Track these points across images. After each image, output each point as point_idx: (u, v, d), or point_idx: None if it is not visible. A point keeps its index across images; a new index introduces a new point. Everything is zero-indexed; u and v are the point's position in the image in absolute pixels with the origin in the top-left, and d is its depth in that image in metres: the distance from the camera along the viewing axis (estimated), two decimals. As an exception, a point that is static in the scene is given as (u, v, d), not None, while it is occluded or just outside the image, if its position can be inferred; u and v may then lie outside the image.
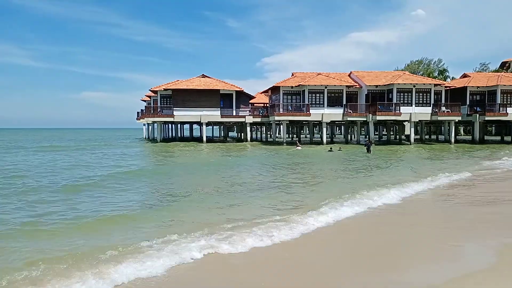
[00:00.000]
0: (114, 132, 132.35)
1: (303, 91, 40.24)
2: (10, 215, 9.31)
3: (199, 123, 43.50)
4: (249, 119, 43.27)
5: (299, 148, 32.34)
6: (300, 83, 39.45)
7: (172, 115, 41.72)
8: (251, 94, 47.98)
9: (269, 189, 13.40)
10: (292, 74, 44.89)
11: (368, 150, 29.55)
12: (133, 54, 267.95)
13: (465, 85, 41.92)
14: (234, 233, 7.52)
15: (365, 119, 40.05)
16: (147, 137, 58.79)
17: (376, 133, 50.16)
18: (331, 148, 32.30)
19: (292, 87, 40.54)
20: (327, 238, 7.80)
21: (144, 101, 56.54)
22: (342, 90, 40.52)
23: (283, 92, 40.96)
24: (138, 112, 57.30)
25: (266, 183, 14.72)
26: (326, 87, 39.93)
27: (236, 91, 43.14)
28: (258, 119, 43.93)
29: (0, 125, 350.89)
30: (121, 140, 59.29)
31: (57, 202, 10.93)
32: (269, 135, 52.41)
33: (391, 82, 39.42)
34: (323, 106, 40.03)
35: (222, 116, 42.60)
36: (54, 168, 19.67)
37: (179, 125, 56.36)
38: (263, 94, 52.12)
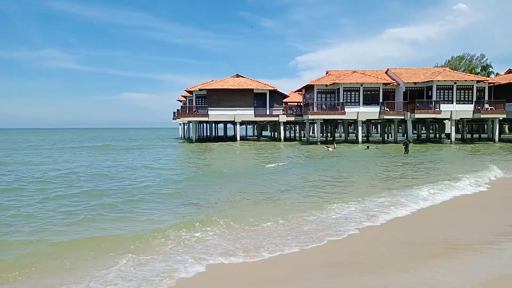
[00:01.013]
0: (153, 132, 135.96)
1: (338, 89, 39.62)
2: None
3: (233, 123, 43.83)
4: (283, 118, 43.12)
5: (330, 149, 31.65)
6: (334, 81, 38.86)
7: (207, 115, 42.28)
8: (285, 93, 47.74)
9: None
10: (327, 73, 44.29)
11: (406, 149, 28.71)
12: (170, 56, 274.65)
13: (511, 81, 39.75)
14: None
15: (402, 117, 38.87)
16: (182, 136, 59.84)
17: (414, 131, 48.51)
18: (368, 147, 31.66)
19: (326, 85, 40.01)
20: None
21: (180, 101, 57.65)
22: (379, 87, 39.54)
23: (317, 90, 40.51)
24: (174, 112, 58.58)
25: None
26: (362, 85, 39.12)
27: (269, 90, 43.12)
28: (292, 118, 43.69)
29: (43, 125, 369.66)
30: (162, 140, 60.72)
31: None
32: (303, 134, 51.99)
33: (431, 79, 38.04)
34: (359, 105, 39.24)
35: (255, 115, 42.71)
36: (134, 168, 19.97)
37: (213, 124, 57.08)
38: (296, 93, 51.79)
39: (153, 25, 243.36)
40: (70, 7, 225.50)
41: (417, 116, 37.70)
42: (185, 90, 47.43)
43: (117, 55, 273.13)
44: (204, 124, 57.06)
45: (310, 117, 39.55)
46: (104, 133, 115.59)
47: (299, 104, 49.01)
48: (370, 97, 39.59)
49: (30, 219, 8.93)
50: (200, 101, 44.53)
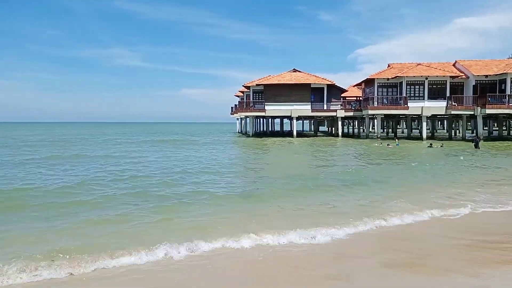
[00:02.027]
0: (211, 126, 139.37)
1: (400, 83, 37.78)
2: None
3: (290, 118, 43.53)
4: (341, 113, 42.04)
5: (390, 146, 30.25)
6: (397, 75, 37.10)
7: (264, 110, 42.37)
8: (343, 88, 46.51)
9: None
10: (388, 66, 42.41)
11: (477, 146, 26.76)
12: (228, 52, 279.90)
13: None
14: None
15: (472, 112, 36.16)
16: (240, 131, 60.64)
17: (485, 128, 45.01)
18: (431, 144, 29.89)
19: (388, 79, 38.33)
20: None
21: (238, 96, 58.35)
22: (445, 81, 37.14)
23: (378, 84, 38.95)
24: (232, 107, 59.39)
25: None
26: (426, 78, 36.97)
27: (327, 84, 42.21)
28: (350, 113, 42.46)
29: (109, 119, 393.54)
30: (221, 134, 62.01)
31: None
32: (361, 130, 50.39)
33: (505, 71, 34.96)
34: (423, 99, 37.15)
35: (312, 110, 42.06)
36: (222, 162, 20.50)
37: (270, 119, 57.16)
38: (355, 87, 50.23)
39: (212, 21, 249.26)
40: (135, 7, 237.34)
41: (489, 111, 34.83)
42: (243, 86, 47.89)
43: (177, 52, 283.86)
44: (261, 119, 57.32)
45: (370, 112, 38.14)
46: (167, 127, 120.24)
47: (358, 98, 47.49)
48: (436, 91, 37.31)
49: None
50: (257, 96, 44.72)
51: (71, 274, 5.57)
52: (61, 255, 6.09)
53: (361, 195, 11.15)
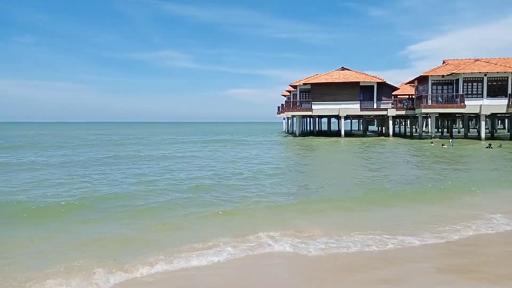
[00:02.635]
0: (258, 126, 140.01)
1: (457, 80, 35.75)
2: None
3: (337, 117, 42.65)
4: (392, 112, 40.54)
5: (445, 146, 28.68)
6: (453, 71, 35.14)
7: (311, 109, 41.84)
8: (395, 86, 44.82)
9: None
10: (443, 62, 40.29)
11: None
12: (276, 52, 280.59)
13: None
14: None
15: (538, 110, 33.48)
16: (286, 130, 60.37)
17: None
18: (489, 145, 28.03)
19: (443, 76, 36.43)
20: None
21: (284, 96, 58.13)
22: (507, 77, 34.65)
23: (432, 81, 37.12)
24: (278, 107, 59.28)
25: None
26: (485, 75, 34.71)
27: (377, 82, 40.90)
28: (402, 112, 40.83)
29: (160, 119, 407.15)
30: (268, 134, 62.22)
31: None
32: (414, 130, 48.29)
33: None
34: (482, 97, 34.92)
35: (361, 109, 40.94)
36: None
37: (317, 119, 56.39)
38: (408, 85, 48.21)
39: (259, 22, 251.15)
40: (186, 10, 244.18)
41: (558, 109, 32.06)
42: (289, 85, 47.60)
43: (226, 53, 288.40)
44: (308, 119, 56.70)
45: (424, 110, 36.43)
46: (216, 127, 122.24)
47: (410, 97, 45.59)
48: (496, 88, 34.91)
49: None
50: (304, 96, 44.25)
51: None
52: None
53: (425, 203, 10.44)
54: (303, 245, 6.68)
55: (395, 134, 44.23)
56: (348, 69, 43.43)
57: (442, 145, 29.58)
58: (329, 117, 52.34)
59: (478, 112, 35.18)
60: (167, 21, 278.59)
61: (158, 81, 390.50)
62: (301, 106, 42.88)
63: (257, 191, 11.73)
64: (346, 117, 44.31)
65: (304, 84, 42.77)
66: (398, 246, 6.71)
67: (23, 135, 56.22)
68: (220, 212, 8.94)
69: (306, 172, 16.87)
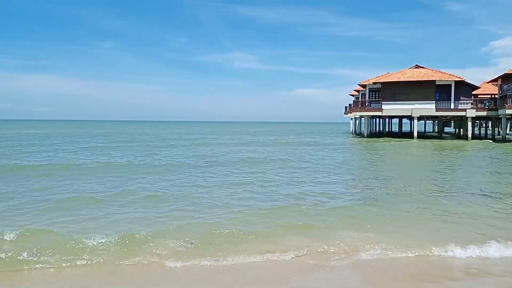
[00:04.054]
0: (324, 126, 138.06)
1: (549, 77, 32.20)
2: None
3: (410, 117, 40.51)
4: (471, 113, 37.57)
5: None
6: (545, 68, 31.71)
7: (380, 109, 40.19)
8: (475, 85, 41.51)
9: None
10: (533, 58, 36.49)
11: None
12: (343, 51, 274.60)
13: None
14: None
15: None
16: (353, 131, 58.69)
17: None
18: None
19: (532, 73, 33.02)
20: None
21: (352, 95, 56.60)
22: None
23: (519, 80, 33.79)
24: (346, 107, 57.88)
25: None
26: None
27: (455, 81, 38.18)
28: (483, 113, 37.69)
29: (224, 119, 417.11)
30: (335, 134, 61.19)
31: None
32: (496, 132, 44.35)
33: None
34: None
35: (437, 109, 38.47)
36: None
37: (387, 119, 54.10)
38: (490, 83, 44.39)
39: (327, 20, 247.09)
40: (254, 11, 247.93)
41: None
42: (358, 84, 46.19)
43: (293, 53, 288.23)
44: (377, 119, 54.60)
45: (508, 111, 33.30)
46: (281, 127, 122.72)
47: (493, 96, 41.96)
48: None
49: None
50: (373, 95, 42.64)
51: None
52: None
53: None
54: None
55: (474, 137, 40.95)
56: (422, 67, 41.06)
57: None
58: (400, 117, 49.91)
59: None
60: (235, 24, 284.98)
61: (226, 82, 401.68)
62: (370, 106, 41.37)
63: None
64: (420, 118, 41.87)
65: (374, 83, 41.19)
66: None
67: (127, 133, 60.74)
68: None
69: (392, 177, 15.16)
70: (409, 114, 39.48)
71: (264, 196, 10.85)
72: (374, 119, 53.55)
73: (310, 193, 11.27)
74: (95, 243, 6.42)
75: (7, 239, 6.68)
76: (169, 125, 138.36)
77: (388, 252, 6.34)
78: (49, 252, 6.03)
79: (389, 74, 41.50)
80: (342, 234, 7.24)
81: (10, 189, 11.64)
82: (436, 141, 37.80)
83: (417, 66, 41.43)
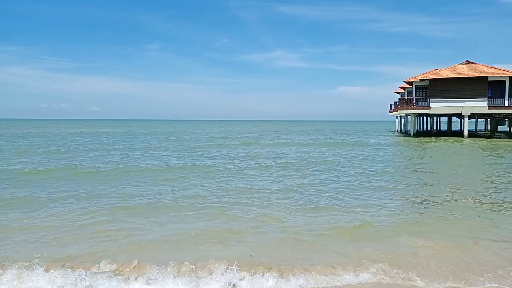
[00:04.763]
0: (367, 125, 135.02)
1: None
2: None
3: (459, 116, 38.79)
4: (528, 111, 35.43)
5: None
6: None
7: (428, 107, 38.82)
8: (533, 80, 39.03)
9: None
10: None
11: None
12: (388, 47, 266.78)
13: None
14: None
15: None
16: (399, 130, 57.07)
17: None
18: None
19: None
20: None
21: (398, 93, 55.02)
22: None
23: None
24: (391, 105, 56.43)
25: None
26: None
27: (509, 77, 36.13)
28: (542, 111, 35.41)
29: (264, 117, 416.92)
30: (380, 133, 59.88)
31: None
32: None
33: None
34: None
35: (489, 107, 36.58)
36: None
37: (435, 117, 52.12)
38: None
39: (372, 17, 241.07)
40: (296, 10, 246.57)
41: None
42: (404, 81, 44.82)
43: (335, 50, 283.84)
44: (424, 117, 52.74)
45: None
46: (324, 126, 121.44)
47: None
48: None
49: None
50: (420, 93, 41.23)
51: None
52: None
53: None
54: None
55: (531, 136, 38.55)
56: (473, 63, 39.21)
57: None
58: (449, 115, 47.91)
59: None
60: (277, 23, 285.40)
61: (267, 81, 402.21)
62: (417, 104, 40.06)
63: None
64: (470, 116, 40.01)
65: (421, 80, 39.84)
66: None
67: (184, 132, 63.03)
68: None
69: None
70: (459, 112, 37.83)
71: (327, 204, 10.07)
72: (421, 117, 51.80)
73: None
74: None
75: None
76: (213, 124, 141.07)
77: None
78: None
79: (437, 71, 39.99)
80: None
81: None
82: (489, 141, 35.91)
83: (467, 62, 39.63)
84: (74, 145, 31.67)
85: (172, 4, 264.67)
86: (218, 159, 21.12)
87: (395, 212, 9.36)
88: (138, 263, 5.81)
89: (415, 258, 6.17)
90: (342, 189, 12.06)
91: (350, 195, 11.18)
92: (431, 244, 6.73)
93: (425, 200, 10.64)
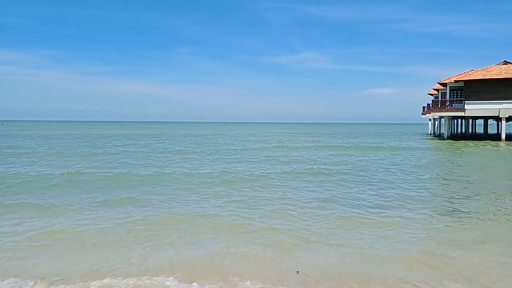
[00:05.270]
0: (398, 127, 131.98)
1: None
2: None
3: (497, 118, 37.44)
4: None
5: None
6: None
7: (463, 109, 37.64)
8: None
9: None
10: None
11: None
12: (420, 48, 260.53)
13: None
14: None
15: None
16: (432, 133, 55.62)
17: None
18: None
19: None
20: None
21: (431, 95, 53.65)
22: None
23: None
24: (423, 107, 55.10)
25: None
26: None
27: (552, 77, 34.59)
28: None
29: (294, 120, 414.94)
30: (413, 136, 58.63)
31: None
32: None
33: None
34: None
35: (529, 109, 35.12)
36: None
37: (470, 120, 50.47)
38: None
39: (402, 16, 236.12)
40: (325, 11, 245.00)
41: None
42: (437, 83, 43.67)
43: (364, 51, 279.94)
44: (459, 120, 51.15)
45: None
46: (353, 129, 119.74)
47: None
48: None
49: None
50: (455, 94, 40.05)
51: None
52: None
53: None
54: None
55: None
56: (511, 63, 37.80)
57: None
58: (485, 118, 46.31)
59: None
60: (306, 24, 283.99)
61: (295, 83, 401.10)
62: (451, 106, 38.97)
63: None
64: (508, 119, 38.52)
65: (456, 81, 38.69)
66: None
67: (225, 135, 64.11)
68: None
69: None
70: (496, 114, 36.49)
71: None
72: (455, 120, 50.29)
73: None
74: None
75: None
76: (240, 126, 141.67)
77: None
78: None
79: (473, 72, 38.77)
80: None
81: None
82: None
83: (505, 62, 38.22)
84: (132, 149, 31.37)
85: (203, 8, 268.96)
86: (268, 164, 20.45)
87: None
88: None
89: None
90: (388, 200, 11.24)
91: (394, 208, 10.25)
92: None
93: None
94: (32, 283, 5.47)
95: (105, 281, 5.52)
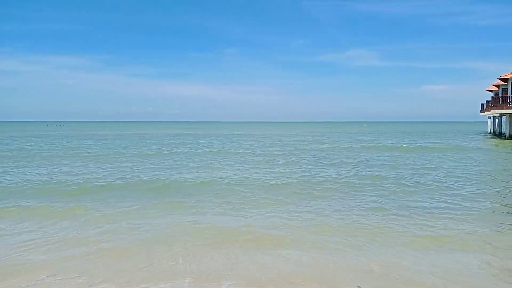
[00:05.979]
0: (455, 126, 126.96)
1: None
2: None
3: None
4: None
5: None
6: None
7: (526, 106, 37.16)
8: None
9: None
10: None
11: None
12: (476, 42, 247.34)
13: None
14: None
15: None
16: (492, 131, 54.19)
17: None
18: None
19: None
20: None
21: (491, 91, 52.39)
22: None
23: None
24: (482, 104, 53.80)
25: None
26: None
27: None
28: None
29: (340, 119, 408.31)
30: (471, 136, 57.37)
31: None
32: None
33: None
34: None
35: None
36: None
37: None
38: None
39: (456, 9, 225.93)
40: (373, 7, 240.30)
41: None
42: (498, 78, 42.98)
43: (416, 47, 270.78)
44: (521, 117, 49.58)
45: None
46: (409, 127, 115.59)
47: None
48: None
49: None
50: (517, 91, 39.43)
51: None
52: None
53: None
54: None
55: None
56: None
57: None
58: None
59: None
60: (353, 21, 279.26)
61: (343, 81, 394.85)
62: (513, 103, 38.45)
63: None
64: None
65: (518, 77, 38.23)
66: None
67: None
68: None
69: None
70: (562, 110, 35.74)
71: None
72: (517, 117, 48.90)
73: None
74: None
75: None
76: (285, 126, 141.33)
77: None
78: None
79: (536, 67, 38.07)
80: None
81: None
82: None
83: None
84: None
85: (246, 9, 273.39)
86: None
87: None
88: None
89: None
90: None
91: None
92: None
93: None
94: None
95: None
